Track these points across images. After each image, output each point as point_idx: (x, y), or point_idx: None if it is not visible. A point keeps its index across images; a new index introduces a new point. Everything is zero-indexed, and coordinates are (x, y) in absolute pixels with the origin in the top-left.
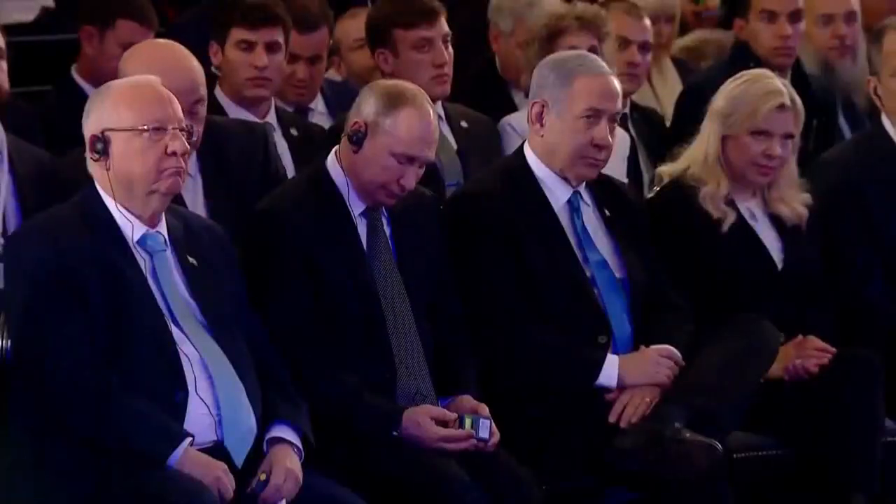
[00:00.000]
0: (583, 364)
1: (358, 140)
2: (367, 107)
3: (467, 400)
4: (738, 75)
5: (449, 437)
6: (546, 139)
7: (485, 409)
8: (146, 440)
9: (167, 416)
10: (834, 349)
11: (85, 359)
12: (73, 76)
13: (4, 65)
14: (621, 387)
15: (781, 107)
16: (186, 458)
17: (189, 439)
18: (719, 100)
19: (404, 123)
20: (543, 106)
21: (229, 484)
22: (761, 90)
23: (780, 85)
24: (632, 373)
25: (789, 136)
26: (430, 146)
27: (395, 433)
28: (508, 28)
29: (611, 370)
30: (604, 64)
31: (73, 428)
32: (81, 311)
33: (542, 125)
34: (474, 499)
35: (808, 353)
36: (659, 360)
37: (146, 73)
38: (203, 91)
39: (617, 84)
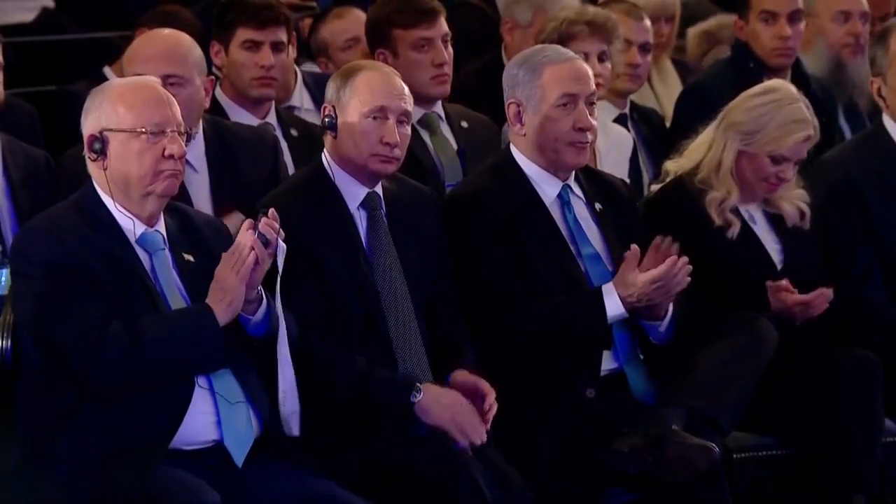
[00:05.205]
0: (587, 307)
1: (331, 124)
2: (329, 92)
3: (463, 374)
4: (759, 90)
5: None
6: (529, 136)
7: (485, 385)
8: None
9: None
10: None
11: (107, 325)
12: (105, 73)
13: (1, 76)
14: (633, 305)
15: (807, 138)
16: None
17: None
18: (739, 113)
19: (363, 83)
20: (519, 105)
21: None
22: (790, 117)
23: (806, 111)
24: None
25: (802, 160)
26: (398, 96)
27: (413, 399)
28: (527, 19)
29: (613, 300)
30: (568, 51)
31: (102, 384)
32: (98, 295)
33: (521, 124)
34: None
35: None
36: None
37: (140, 47)
38: (181, 70)
39: (586, 66)
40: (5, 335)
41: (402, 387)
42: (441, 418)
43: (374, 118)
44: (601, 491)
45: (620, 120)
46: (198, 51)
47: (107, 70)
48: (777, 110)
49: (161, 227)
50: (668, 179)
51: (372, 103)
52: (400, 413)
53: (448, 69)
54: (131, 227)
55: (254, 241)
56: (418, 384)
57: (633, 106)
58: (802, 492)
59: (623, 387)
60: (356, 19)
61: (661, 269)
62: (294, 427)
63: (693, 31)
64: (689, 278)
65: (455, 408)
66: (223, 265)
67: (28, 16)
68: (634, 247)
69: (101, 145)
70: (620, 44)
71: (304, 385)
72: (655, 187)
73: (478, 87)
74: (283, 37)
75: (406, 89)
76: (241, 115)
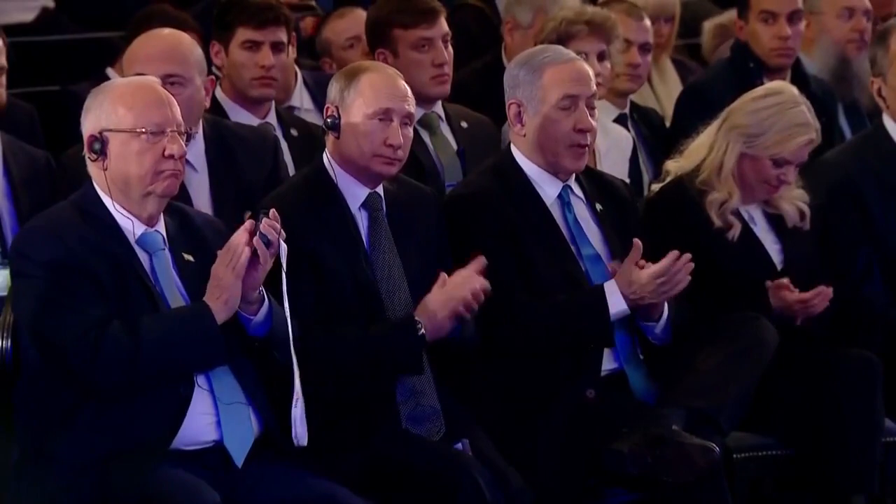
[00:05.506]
0: (589, 305)
1: (334, 125)
2: (332, 92)
3: None
4: (762, 92)
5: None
6: (529, 137)
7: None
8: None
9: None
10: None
11: (107, 325)
12: (108, 74)
13: (4, 79)
14: (636, 302)
15: (809, 142)
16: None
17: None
18: (742, 116)
19: (367, 84)
20: (519, 105)
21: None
22: (793, 121)
23: (808, 114)
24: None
25: (803, 163)
26: (402, 98)
27: (421, 331)
28: (527, 20)
29: (616, 298)
30: (570, 52)
31: (102, 384)
32: (98, 295)
33: (521, 125)
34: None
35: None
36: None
37: (140, 46)
38: (182, 70)
39: (587, 67)
40: (5, 335)
41: (404, 328)
42: (446, 310)
43: (379, 120)
44: (601, 491)
45: (620, 120)
46: (198, 50)
47: (109, 71)
48: (780, 114)
49: (161, 227)
50: (668, 179)
51: (376, 105)
52: (417, 354)
53: (448, 69)
54: (131, 227)
55: (255, 241)
56: (414, 318)
57: (633, 106)
58: (802, 492)
59: (623, 387)
60: (357, 18)
61: (663, 264)
62: (301, 434)
63: (708, 25)
64: (689, 277)
65: (447, 292)
66: (219, 263)
67: (28, 16)
68: (637, 241)
69: (100, 145)
70: (620, 44)
71: (308, 380)
72: (655, 187)
73: (478, 87)
74: (283, 37)
75: (409, 91)
76: (241, 115)
